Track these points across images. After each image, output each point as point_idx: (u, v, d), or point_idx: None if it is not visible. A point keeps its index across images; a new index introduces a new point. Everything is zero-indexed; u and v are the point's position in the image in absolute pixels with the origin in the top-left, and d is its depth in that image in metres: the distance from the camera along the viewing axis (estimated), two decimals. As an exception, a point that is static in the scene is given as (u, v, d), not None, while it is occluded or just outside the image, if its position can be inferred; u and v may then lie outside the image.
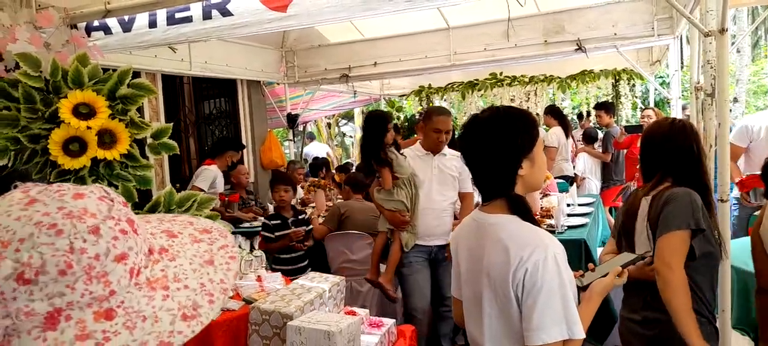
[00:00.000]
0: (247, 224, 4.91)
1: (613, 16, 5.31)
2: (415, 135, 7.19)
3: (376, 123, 3.52)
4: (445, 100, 8.89)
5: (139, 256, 0.64)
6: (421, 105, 8.94)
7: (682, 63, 5.76)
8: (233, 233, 3.48)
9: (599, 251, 3.09)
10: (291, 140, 7.87)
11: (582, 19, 5.44)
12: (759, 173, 3.49)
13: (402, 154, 3.46)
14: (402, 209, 3.36)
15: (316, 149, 10.45)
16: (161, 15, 3.77)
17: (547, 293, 1.26)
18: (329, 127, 13.09)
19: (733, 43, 14.83)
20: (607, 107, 6.67)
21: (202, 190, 4.71)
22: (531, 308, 1.28)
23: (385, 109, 10.34)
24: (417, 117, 8.56)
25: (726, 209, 2.51)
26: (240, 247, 2.94)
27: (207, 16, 3.67)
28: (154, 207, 3.36)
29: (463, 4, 3.67)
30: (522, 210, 1.40)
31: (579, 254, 3.65)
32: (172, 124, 3.70)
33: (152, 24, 3.81)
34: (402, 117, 9.76)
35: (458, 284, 1.59)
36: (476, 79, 8.27)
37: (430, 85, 8.80)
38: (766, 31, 16.89)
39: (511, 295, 1.32)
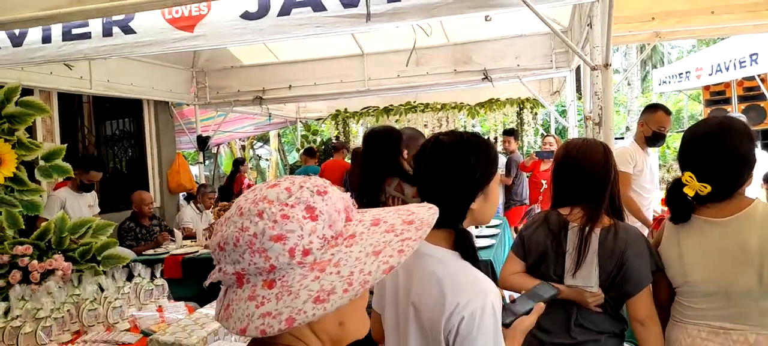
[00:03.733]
0: (150, 251, 4.67)
1: (516, 48, 5.66)
2: (333, 157, 7.25)
3: (387, 140, 3.01)
4: (361, 125, 8.99)
5: (309, 239, 0.72)
6: (338, 129, 8.99)
7: (580, 94, 6.22)
8: (134, 260, 3.29)
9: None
10: (201, 163, 7.61)
11: (488, 51, 5.75)
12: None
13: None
14: None
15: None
16: (56, 30, 3.55)
17: (482, 345, 1.21)
18: (244, 150, 12.79)
19: (625, 78, 16.29)
20: (514, 134, 7.04)
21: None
22: None
23: (303, 133, 10.30)
24: (334, 141, 8.59)
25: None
26: (139, 275, 2.78)
27: (107, 33, 3.50)
28: (42, 235, 3.12)
29: (372, 31, 3.76)
30: (465, 247, 1.32)
31: (486, 274, 3.79)
32: (66, 145, 3.48)
33: (46, 39, 3.58)
34: (318, 140, 9.75)
35: (381, 302, 1.50)
36: (391, 105, 8.45)
37: (346, 109, 8.88)
38: (653, 65, 18.65)
39: (441, 339, 1.24)
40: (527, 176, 6.81)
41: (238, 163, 8.29)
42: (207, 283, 0.77)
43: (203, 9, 3.46)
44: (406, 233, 0.78)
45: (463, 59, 5.85)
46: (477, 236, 4.53)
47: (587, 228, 1.92)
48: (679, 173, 1.92)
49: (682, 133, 1.99)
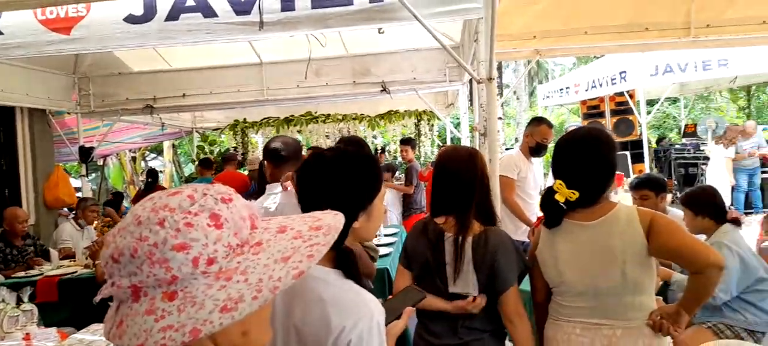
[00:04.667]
0: (21, 274, 4.24)
1: (412, 62, 5.84)
2: (226, 167, 7.02)
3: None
4: (260, 135, 8.81)
5: (214, 247, 0.71)
6: (236, 139, 8.73)
7: (472, 106, 6.55)
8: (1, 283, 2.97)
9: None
10: (84, 176, 7.04)
11: (386, 63, 5.89)
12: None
13: None
14: None
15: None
16: None
17: None
18: (134, 162, 12.02)
19: (513, 92, 17.36)
20: (411, 143, 7.24)
21: None
22: None
23: (199, 143, 9.89)
24: (232, 151, 8.34)
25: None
26: (3, 301, 2.51)
27: (-33, 32, 3.17)
28: None
29: (265, 39, 3.72)
30: (348, 266, 1.28)
31: (383, 283, 3.86)
32: None
33: None
34: (216, 151, 9.40)
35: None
36: (292, 115, 8.37)
37: (244, 119, 8.66)
38: (540, 81, 20.04)
39: None
40: (425, 185, 7.03)
41: (154, 175, 7.86)
42: (97, 299, 0.73)
43: (82, 10, 3.23)
44: (315, 238, 0.79)
45: (361, 71, 5.93)
46: (376, 245, 4.60)
47: (460, 238, 2.01)
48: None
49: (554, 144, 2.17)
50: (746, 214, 7.99)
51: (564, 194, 1.93)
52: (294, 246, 0.77)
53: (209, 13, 3.14)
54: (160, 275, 0.68)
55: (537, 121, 4.34)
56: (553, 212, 1.98)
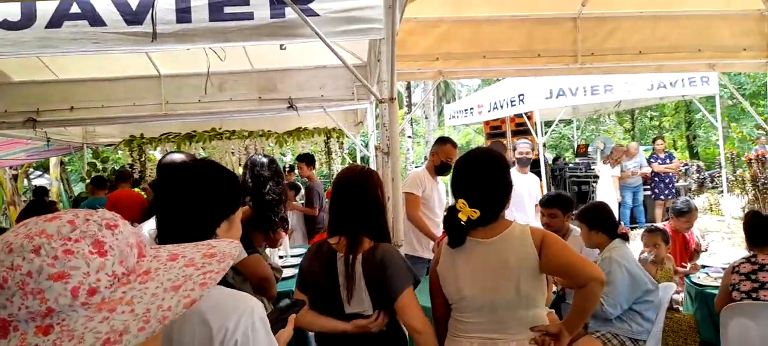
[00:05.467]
0: None
1: (319, 79, 5.80)
2: (120, 186, 6.57)
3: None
4: (159, 151, 8.34)
5: (96, 276, 0.66)
6: (133, 156, 8.21)
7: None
8: None
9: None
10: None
11: (293, 80, 5.80)
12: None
13: None
14: None
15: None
16: None
17: None
18: (16, 180, 10.94)
19: (416, 108, 17.82)
20: (307, 159, 7.14)
21: None
22: None
23: (90, 159, 9.20)
24: (127, 168, 7.83)
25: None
26: None
27: None
28: None
29: (160, 51, 3.53)
30: None
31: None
32: None
33: None
34: (109, 169, 8.79)
35: None
36: (194, 131, 8.00)
37: (142, 134, 8.17)
38: (447, 101, 20.77)
39: None
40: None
41: (41, 194, 7.16)
42: None
43: (-55, 13, 2.90)
44: (208, 266, 0.75)
45: (268, 87, 5.80)
46: (283, 267, 4.48)
47: (350, 256, 2.03)
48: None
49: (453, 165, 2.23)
50: (632, 228, 8.71)
51: (466, 213, 1.97)
52: (186, 274, 0.73)
53: (96, 21, 2.92)
54: (34, 307, 0.63)
55: (442, 141, 4.48)
56: (456, 230, 2.02)
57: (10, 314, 0.63)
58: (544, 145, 10.41)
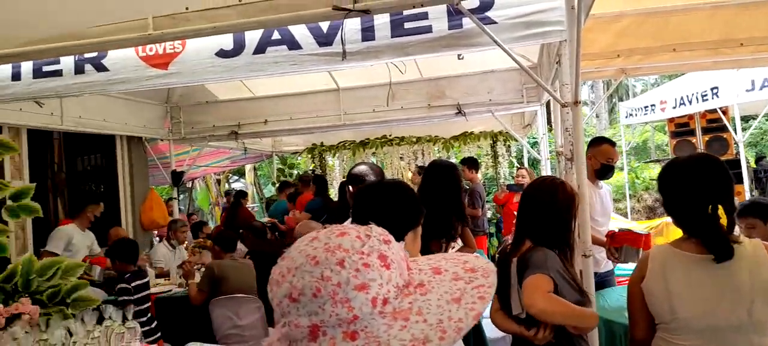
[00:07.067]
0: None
1: (488, 83, 5.77)
2: (302, 192, 7.18)
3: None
4: (337, 158, 9.01)
5: (387, 287, 0.71)
6: (314, 162, 8.99)
7: (550, 127, 6.36)
8: (106, 301, 3.19)
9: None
10: (176, 199, 7.50)
11: (461, 86, 5.86)
12: (627, 228, 3.86)
13: None
14: None
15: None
16: (26, 67, 3.51)
17: None
18: (219, 184, 12.66)
19: (592, 110, 16.71)
20: (470, 163, 7.10)
21: (54, 253, 4.31)
22: None
23: (278, 166, 10.26)
24: (310, 173, 8.58)
25: (589, 263, 2.75)
26: (110, 318, 2.70)
27: (79, 70, 3.47)
28: (9, 277, 3.02)
29: (347, 69, 3.81)
30: None
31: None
32: (35, 184, 3.40)
33: (16, 76, 3.54)
34: (294, 174, 9.72)
35: None
36: (367, 139, 8.51)
37: (322, 142, 8.91)
38: (619, 98, 19.21)
39: None
40: (499, 207, 6.90)
41: (240, 196, 8.22)
42: (268, 342, 0.74)
43: (178, 47, 3.46)
44: (476, 280, 0.77)
45: (436, 94, 5.94)
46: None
47: (508, 260, 2.13)
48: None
49: (663, 168, 2.02)
50: None
51: (724, 221, 1.76)
52: (458, 288, 0.75)
53: (294, 45, 3.27)
54: (343, 314, 0.68)
55: (598, 142, 3.99)
56: (722, 241, 1.74)
57: (322, 321, 0.69)
58: (744, 143, 9.08)
